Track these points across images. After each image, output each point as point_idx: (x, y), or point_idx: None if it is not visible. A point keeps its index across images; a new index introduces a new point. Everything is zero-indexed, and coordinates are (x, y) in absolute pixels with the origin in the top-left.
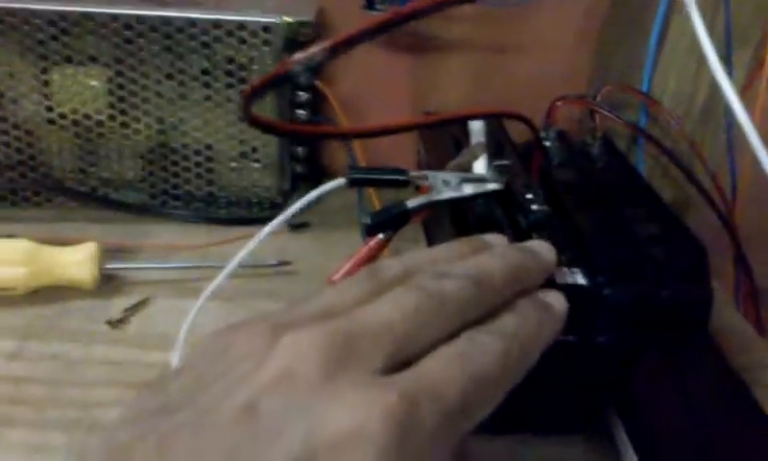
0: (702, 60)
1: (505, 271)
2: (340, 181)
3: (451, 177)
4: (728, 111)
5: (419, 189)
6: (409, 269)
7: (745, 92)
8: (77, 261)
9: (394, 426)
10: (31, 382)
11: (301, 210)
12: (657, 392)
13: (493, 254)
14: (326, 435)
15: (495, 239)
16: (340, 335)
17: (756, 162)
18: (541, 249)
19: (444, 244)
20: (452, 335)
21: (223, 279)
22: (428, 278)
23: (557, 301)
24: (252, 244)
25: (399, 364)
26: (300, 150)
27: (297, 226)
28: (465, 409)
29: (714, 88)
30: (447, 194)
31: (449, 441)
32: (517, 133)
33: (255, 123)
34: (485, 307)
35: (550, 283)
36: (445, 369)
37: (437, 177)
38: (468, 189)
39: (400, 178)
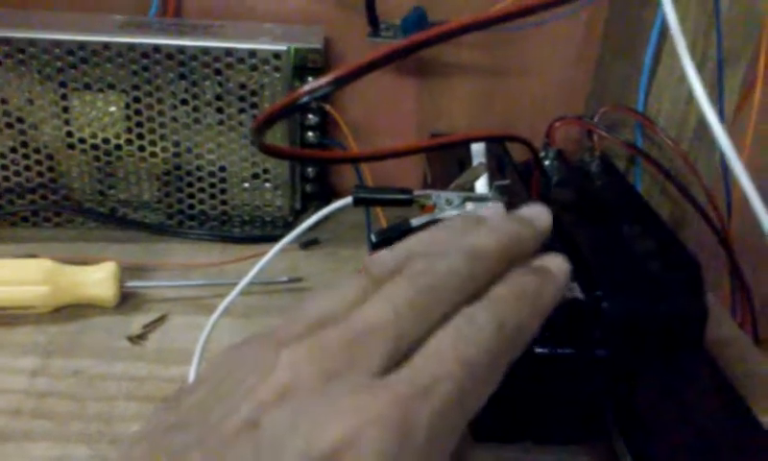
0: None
1: (498, 244)
2: (347, 200)
3: (454, 196)
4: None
5: (423, 208)
6: (402, 259)
7: (738, 113)
8: (97, 280)
9: (387, 432)
10: (53, 397)
11: (311, 228)
12: (654, 403)
13: (488, 231)
14: (324, 445)
15: (490, 212)
16: (335, 344)
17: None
18: (535, 214)
19: (438, 224)
20: (449, 316)
21: (235, 295)
22: (420, 269)
23: (556, 264)
24: (263, 261)
25: (398, 360)
26: (310, 171)
27: (307, 243)
28: (462, 400)
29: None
30: (450, 212)
31: (448, 436)
32: (518, 152)
33: (267, 150)
34: (480, 283)
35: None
36: (439, 361)
37: (440, 196)
38: (471, 208)
39: (404, 197)
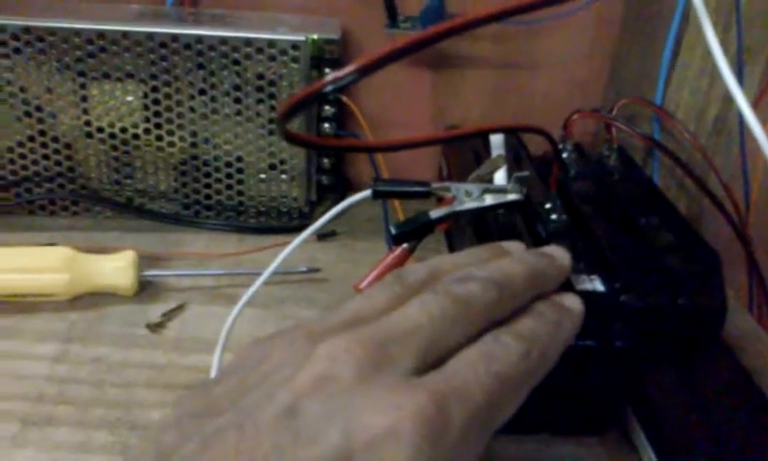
0: (715, 74)
1: (525, 275)
2: (366, 192)
3: (473, 188)
4: (741, 122)
5: (441, 201)
6: (433, 273)
7: (756, 108)
8: (116, 268)
9: (425, 426)
10: (74, 383)
11: (328, 220)
12: (673, 395)
13: (513, 260)
14: (363, 435)
15: (514, 246)
16: (372, 341)
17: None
18: (558, 253)
19: (465, 250)
20: (476, 337)
21: (259, 285)
22: (453, 281)
23: (574, 303)
24: (286, 252)
25: (429, 366)
26: (326, 162)
27: (324, 235)
28: (490, 409)
29: (727, 102)
30: (469, 204)
31: (477, 441)
32: (534, 147)
33: (291, 139)
34: (506, 310)
35: (569, 289)
36: (472, 370)
37: (459, 188)
38: (490, 200)
39: (423, 189)
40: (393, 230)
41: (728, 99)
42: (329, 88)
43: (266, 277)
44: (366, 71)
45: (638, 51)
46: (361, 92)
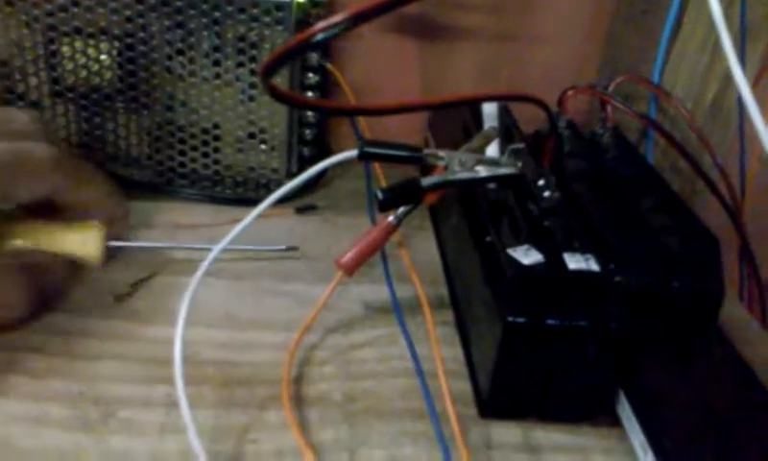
0: (714, 54)
1: None
2: (351, 153)
3: (467, 158)
4: (739, 104)
5: (428, 170)
6: None
7: (754, 89)
8: (82, 236)
9: None
10: (34, 353)
11: (308, 189)
12: (668, 380)
13: None
14: None
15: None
16: None
17: (765, 157)
18: None
19: None
20: None
21: (218, 252)
22: None
23: None
24: (252, 216)
25: None
26: (308, 133)
27: (303, 208)
28: None
29: (725, 84)
30: (462, 175)
31: None
32: (523, 123)
33: (275, 95)
34: None
35: (563, 270)
36: None
37: (452, 157)
38: (483, 172)
39: (414, 154)
40: (379, 195)
41: (726, 80)
42: (320, 37)
43: (223, 246)
44: (359, 19)
45: (635, 28)
46: (347, 61)
